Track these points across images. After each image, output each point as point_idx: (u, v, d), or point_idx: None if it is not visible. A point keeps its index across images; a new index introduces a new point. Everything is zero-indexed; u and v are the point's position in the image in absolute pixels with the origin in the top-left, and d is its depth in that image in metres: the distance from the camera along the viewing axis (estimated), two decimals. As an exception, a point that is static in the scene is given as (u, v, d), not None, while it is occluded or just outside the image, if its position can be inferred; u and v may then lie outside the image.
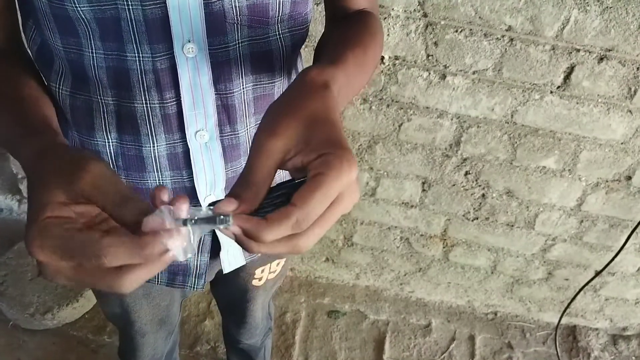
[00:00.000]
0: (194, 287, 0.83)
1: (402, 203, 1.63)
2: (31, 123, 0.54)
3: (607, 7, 1.13)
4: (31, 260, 1.75)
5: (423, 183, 1.56)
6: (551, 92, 1.29)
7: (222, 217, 0.40)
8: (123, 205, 0.40)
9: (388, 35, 1.26)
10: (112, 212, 0.41)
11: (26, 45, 0.66)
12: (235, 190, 0.42)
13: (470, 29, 1.21)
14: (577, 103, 1.30)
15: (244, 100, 0.67)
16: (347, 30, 0.66)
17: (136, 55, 0.59)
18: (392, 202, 1.63)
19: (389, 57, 1.30)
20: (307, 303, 1.89)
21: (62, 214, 0.41)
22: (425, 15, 1.21)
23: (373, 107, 1.41)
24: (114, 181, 0.42)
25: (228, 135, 0.69)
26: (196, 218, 0.41)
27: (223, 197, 0.74)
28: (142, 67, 0.60)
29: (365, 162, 1.53)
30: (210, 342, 1.75)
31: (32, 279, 1.70)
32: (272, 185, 0.43)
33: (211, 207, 0.42)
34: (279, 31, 0.64)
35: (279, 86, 0.70)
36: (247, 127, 0.69)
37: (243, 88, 0.66)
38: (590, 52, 1.21)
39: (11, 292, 1.67)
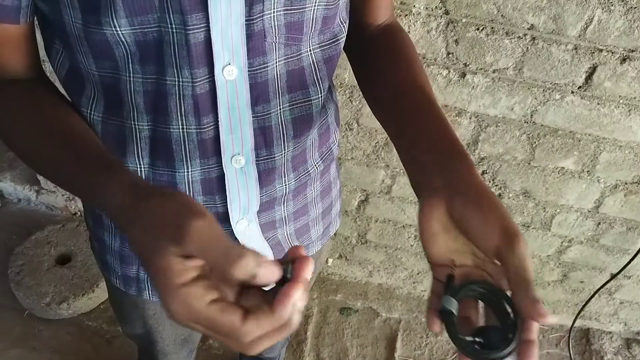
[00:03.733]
0: None
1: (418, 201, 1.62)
2: (98, 158, 0.55)
3: (631, 7, 1.12)
4: (48, 250, 1.76)
5: (439, 182, 1.56)
6: (572, 92, 1.29)
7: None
8: (231, 265, 0.41)
9: (409, 32, 1.25)
10: (221, 273, 0.42)
11: (53, 70, 0.65)
12: (533, 296, 0.47)
13: (492, 27, 1.21)
14: (598, 104, 1.29)
15: (281, 121, 0.65)
16: (416, 86, 0.66)
17: (176, 79, 0.57)
18: (408, 200, 1.63)
19: (409, 55, 1.30)
20: (320, 299, 1.89)
21: (186, 272, 0.43)
22: (446, 12, 1.20)
23: (391, 105, 1.41)
24: (219, 239, 0.43)
25: (264, 160, 0.67)
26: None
27: (255, 221, 0.74)
28: (182, 92, 0.58)
29: (382, 160, 1.53)
30: (223, 335, 1.76)
31: (48, 268, 1.72)
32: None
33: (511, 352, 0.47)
34: (309, 47, 0.63)
35: (317, 105, 0.69)
36: (284, 151, 0.68)
37: (280, 109, 0.64)
38: (613, 53, 1.20)
39: (27, 281, 1.68)
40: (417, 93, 0.64)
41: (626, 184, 1.45)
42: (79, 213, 2.00)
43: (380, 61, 0.70)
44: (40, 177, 1.92)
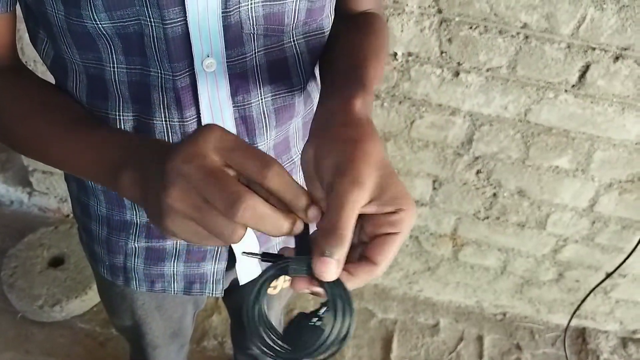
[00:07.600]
0: (212, 293, 0.81)
1: (412, 201, 1.62)
2: (92, 119, 0.56)
3: (623, 5, 1.12)
4: (40, 253, 1.75)
5: (434, 181, 1.55)
6: (566, 90, 1.28)
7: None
8: (267, 161, 0.41)
9: (402, 31, 1.25)
10: (256, 173, 0.41)
11: (41, 58, 0.65)
12: (330, 250, 0.42)
13: (485, 26, 1.20)
14: (592, 102, 1.29)
15: (263, 111, 0.66)
16: (360, 40, 0.65)
17: (158, 72, 0.58)
18: (402, 200, 1.62)
19: (402, 54, 1.30)
20: (315, 300, 1.88)
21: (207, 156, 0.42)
22: (439, 11, 1.20)
23: (385, 104, 1.40)
24: (243, 141, 0.43)
25: None
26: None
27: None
28: (163, 85, 0.59)
29: (376, 159, 1.53)
30: (218, 337, 1.75)
31: (41, 271, 1.71)
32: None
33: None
34: (293, 38, 0.63)
35: (299, 96, 0.69)
36: (266, 140, 0.68)
37: (261, 99, 0.65)
38: (605, 51, 1.20)
39: (20, 283, 1.67)
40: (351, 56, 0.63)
41: (620, 182, 1.44)
42: (71, 215, 1.98)
43: (342, 35, 0.68)
44: (32, 179, 1.91)
